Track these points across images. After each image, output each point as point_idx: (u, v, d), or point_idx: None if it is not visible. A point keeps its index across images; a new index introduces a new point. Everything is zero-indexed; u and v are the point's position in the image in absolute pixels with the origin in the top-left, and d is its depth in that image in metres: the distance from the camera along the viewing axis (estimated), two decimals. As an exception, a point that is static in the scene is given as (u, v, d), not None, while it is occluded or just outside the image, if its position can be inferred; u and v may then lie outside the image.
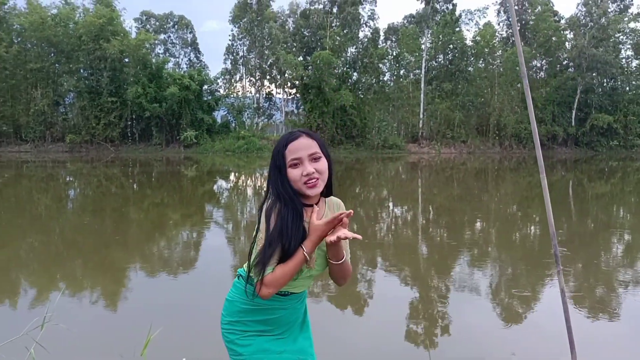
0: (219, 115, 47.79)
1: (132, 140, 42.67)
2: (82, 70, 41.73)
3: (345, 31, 45.43)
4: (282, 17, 50.49)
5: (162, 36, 54.07)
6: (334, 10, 46.93)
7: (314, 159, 1.81)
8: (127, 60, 41.17)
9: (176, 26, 55.42)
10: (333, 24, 46.40)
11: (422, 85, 46.15)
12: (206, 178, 23.40)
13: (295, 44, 48.30)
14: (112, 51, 38.64)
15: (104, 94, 39.84)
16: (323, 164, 1.83)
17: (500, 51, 46.99)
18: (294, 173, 1.80)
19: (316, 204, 1.88)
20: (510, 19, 46.79)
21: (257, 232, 1.84)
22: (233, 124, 46.30)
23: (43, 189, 18.40)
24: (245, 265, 1.97)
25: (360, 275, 7.25)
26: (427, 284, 6.73)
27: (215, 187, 19.86)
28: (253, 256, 1.81)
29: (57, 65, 41.83)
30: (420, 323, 5.33)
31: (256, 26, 47.68)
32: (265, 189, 1.93)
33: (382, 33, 50.23)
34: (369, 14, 47.18)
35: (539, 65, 50.86)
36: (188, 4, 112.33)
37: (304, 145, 1.80)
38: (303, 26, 48.72)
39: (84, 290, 6.28)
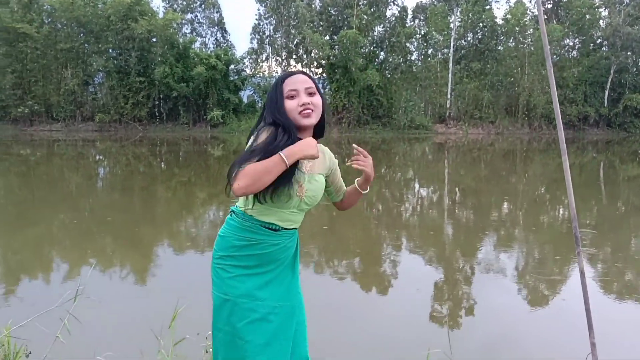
0: (245, 95, 47.83)
1: (160, 120, 43.08)
2: (110, 50, 42.06)
3: (372, 10, 44.73)
4: (309, -4, 49.96)
5: (189, 16, 53.97)
6: (361, -12, 46.26)
7: (309, 93, 1.92)
8: (154, 40, 41.29)
9: (203, 5, 55.24)
10: (360, 3, 45.70)
11: (450, 64, 45.33)
12: (232, 157, 23.57)
13: (321, 23, 47.77)
14: (140, 31, 38.81)
15: (132, 73, 40.20)
16: (317, 99, 1.94)
17: (531, 29, 45.74)
18: (290, 104, 1.90)
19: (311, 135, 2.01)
20: (542, -4, 45.66)
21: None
22: (259, 104, 46.33)
23: (74, 167, 18.81)
24: (237, 203, 2.03)
25: (385, 255, 7.28)
26: (452, 265, 6.72)
27: (241, 166, 19.97)
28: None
29: (86, 45, 42.19)
30: (443, 303, 5.34)
31: (282, 5, 47.26)
32: (257, 120, 2.02)
33: (410, 12, 49.22)
34: (397, -9, 46.39)
35: (571, 44, 49.40)
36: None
37: (301, 80, 1.93)
38: (330, 5, 48.09)
39: (113, 265, 6.45)
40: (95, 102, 42.52)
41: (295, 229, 2.04)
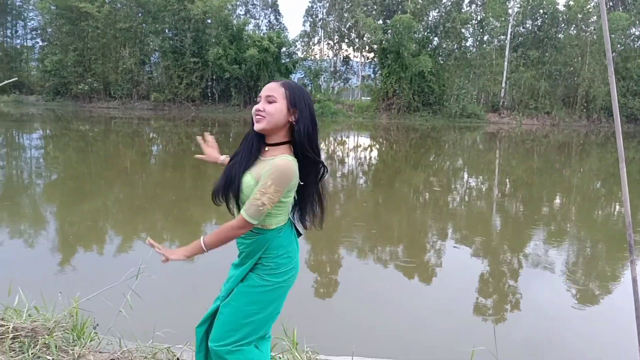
0: (296, 77, 48.00)
1: (212, 101, 43.85)
2: (167, 31, 43.04)
3: (428, -6, 43.90)
4: (364, -21, 49.40)
5: (243, -3, 54.58)
6: (417, -29, 45.36)
7: (268, 101, 2.01)
8: (209, 21, 41.92)
9: (257, -13, 55.71)
10: (415, -13, 44.93)
11: (507, 52, 43.99)
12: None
13: (375, 7, 47.21)
14: (196, 12, 39.48)
15: (187, 54, 41.01)
16: (275, 108, 1.99)
17: (595, 17, 43.72)
18: (254, 106, 2.04)
19: (269, 146, 2.05)
20: (609, -18, 43.70)
21: None
22: (309, 87, 46.44)
23: (129, 144, 19.45)
24: None
25: (430, 245, 7.24)
26: (499, 258, 6.62)
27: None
28: None
29: (144, 25, 43.34)
30: (489, 296, 5.28)
31: (337, -12, 47.09)
32: None
33: (467, -4, 48.11)
34: (455, -25, 45.23)
35: (637, 33, 46.97)
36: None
37: (268, 88, 2.04)
38: (384, -12, 47.54)
39: (164, 242, 6.67)
40: (150, 81, 43.69)
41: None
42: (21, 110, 35.67)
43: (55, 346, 2.53)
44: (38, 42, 48.66)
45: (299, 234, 2.23)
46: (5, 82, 4.29)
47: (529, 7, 43.62)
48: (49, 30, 45.29)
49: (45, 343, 2.55)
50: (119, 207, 8.85)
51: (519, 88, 43.65)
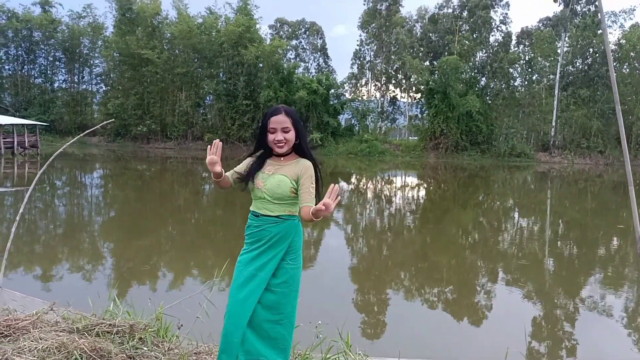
0: (344, 118, 48.81)
1: (263, 141, 44.90)
2: (221, 75, 44.98)
3: (474, 35, 44.21)
4: (410, 22, 50.17)
5: (293, 42, 56.32)
6: (464, 14, 45.83)
7: (285, 131, 2.64)
8: (261, 65, 43.52)
9: (307, 32, 57.43)
10: (462, 29, 45.37)
11: (556, 91, 43.51)
12: (329, 179, 24.16)
13: (422, 49, 47.89)
14: (249, 57, 41.17)
15: (240, 97, 42.57)
16: (291, 134, 2.66)
17: (648, 55, 42.88)
18: (270, 137, 2.67)
19: (284, 157, 2.71)
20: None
21: None
22: (357, 128, 47.08)
23: (183, 183, 20.32)
24: None
25: (480, 286, 7.30)
26: (553, 300, 6.57)
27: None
28: None
29: (199, 69, 45.45)
30: (543, 341, 5.27)
31: (384, 32, 48.05)
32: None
33: (514, 37, 48.10)
34: (501, 17, 45.36)
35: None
36: (319, 10, 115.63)
37: (280, 121, 2.64)
38: (431, 31, 48.17)
39: (216, 278, 7.07)
40: (204, 123, 45.47)
41: (277, 217, 2.68)
42: (84, 150, 37.71)
43: (150, 341, 3.06)
44: (102, 87, 51.72)
45: None
46: (104, 122, 4.91)
47: (578, 46, 43.22)
48: (112, 75, 48.26)
49: (140, 338, 3.07)
50: (172, 243, 9.38)
51: (570, 127, 42.93)
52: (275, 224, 2.67)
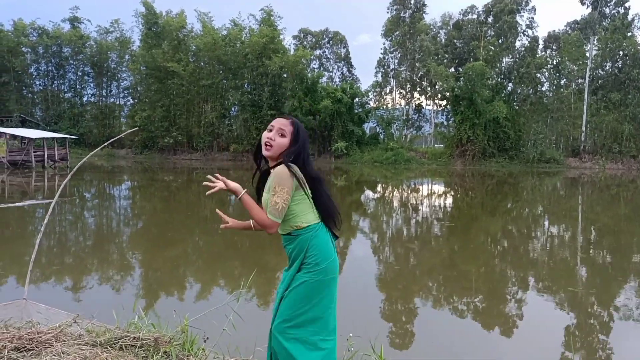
0: (368, 127, 48.76)
1: (288, 151, 45.18)
2: (246, 86, 45.45)
3: (500, 41, 43.76)
4: (434, 29, 49.97)
5: (317, 52, 56.65)
6: (489, 20, 45.47)
7: (280, 134, 2.50)
8: (285, 75, 43.90)
9: (331, 42, 57.67)
10: (487, 34, 44.98)
11: (586, 95, 42.69)
12: (354, 187, 24.13)
13: (446, 56, 47.61)
14: (273, 67, 41.52)
15: (264, 107, 42.89)
16: (283, 140, 2.50)
17: (681, 56, 41.72)
18: (264, 134, 2.55)
19: (273, 168, 2.54)
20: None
21: None
22: (382, 136, 46.96)
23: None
24: None
25: (510, 295, 7.13)
26: (586, 309, 6.38)
27: (362, 197, 20.44)
28: None
29: (224, 81, 46.03)
30: (576, 352, 5.11)
31: (408, 39, 47.97)
32: None
33: (541, 41, 47.47)
34: (527, 22, 44.87)
35: None
36: (342, 19, 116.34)
37: (281, 123, 2.54)
38: (455, 37, 47.88)
39: (243, 289, 7.04)
40: (230, 134, 45.92)
41: (288, 234, 2.58)
42: (112, 163, 38.41)
43: (175, 355, 2.97)
44: (129, 100, 52.83)
45: (336, 237, 2.68)
46: (128, 131, 4.96)
47: (608, 49, 42.35)
48: (139, 88, 49.22)
49: (165, 351, 2.98)
50: (199, 254, 9.41)
51: (600, 132, 42.03)
52: (289, 242, 2.61)
